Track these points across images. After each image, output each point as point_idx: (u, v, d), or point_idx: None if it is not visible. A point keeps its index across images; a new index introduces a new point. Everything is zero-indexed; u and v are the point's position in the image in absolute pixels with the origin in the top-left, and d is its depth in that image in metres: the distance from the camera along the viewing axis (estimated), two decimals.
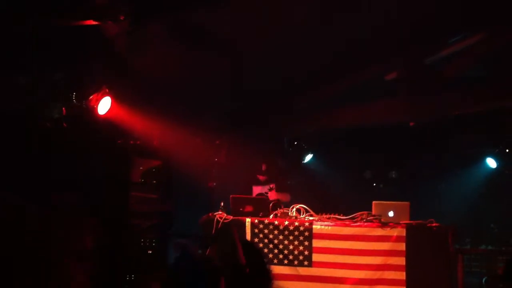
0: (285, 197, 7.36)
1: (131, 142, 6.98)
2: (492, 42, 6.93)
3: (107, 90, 6.22)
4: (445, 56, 7.49)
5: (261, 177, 7.85)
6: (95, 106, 6.20)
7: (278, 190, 7.49)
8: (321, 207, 6.65)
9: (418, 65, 7.60)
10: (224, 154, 8.32)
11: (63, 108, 5.83)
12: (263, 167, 7.86)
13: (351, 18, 6.09)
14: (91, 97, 6.13)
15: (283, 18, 5.93)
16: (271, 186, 7.55)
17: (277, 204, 6.79)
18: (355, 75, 7.76)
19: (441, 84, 7.59)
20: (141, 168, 7.26)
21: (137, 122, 6.84)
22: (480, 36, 6.91)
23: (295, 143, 9.58)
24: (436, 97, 7.72)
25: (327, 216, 6.41)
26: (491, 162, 9.68)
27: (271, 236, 6.28)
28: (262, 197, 7.28)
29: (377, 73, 7.89)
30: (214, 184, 7.95)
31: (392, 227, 6.12)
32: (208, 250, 6.17)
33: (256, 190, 7.79)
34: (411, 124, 8.51)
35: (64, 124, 5.79)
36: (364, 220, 6.27)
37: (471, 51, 7.19)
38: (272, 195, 7.44)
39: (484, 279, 8.38)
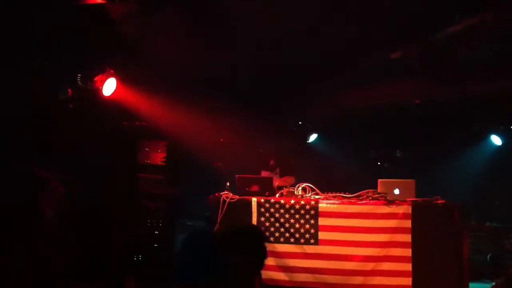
0: (289, 180, 7.41)
1: (137, 123, 7.00)
2: (498, 21, 6.87)
3: (112, 72, 6.23)
4: (452, 34, 7.43)
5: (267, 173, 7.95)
6: (100, 88, 6.22)
7: (282, 173, 7.56)
8: (326, 186, 6.67)
9: (425, 44, 7.55)
10: (230, 135, 8.37)
11: (69, 90, 5.84)
12: (271, 162, 7.94)
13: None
14: (95, 78, 6.14)
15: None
16: (277, 170, 7.62)
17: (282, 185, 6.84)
18: (366, 58, 7.71)
19: (445, 65, 7.56)
20: (147, 149, 7.29)
21: (143, 104, 6.85)
22: (485, 16, 6.86)
23: (300, 123, 9.58)
24: (442, 77, 7.69)
25: (333, 194, 6.45)
26: (496, 140, 9.67)
27: (277, 215, 6.31)
28: (269, 177, 7.32)
29: (382, 54, 7.85)
30: (220, 164, 7.98)
31: (398, 205, 6.15)
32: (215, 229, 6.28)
33: (264, 175, 7.85)
34: (417, 101, 8.50)
35: (70, 105, 5.81)
36: (370, 198, 6.30)
37: (477, 31, 7.14)
38: (276, 181, 7.52)
39: (489, 256, 8.43)
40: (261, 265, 3.14)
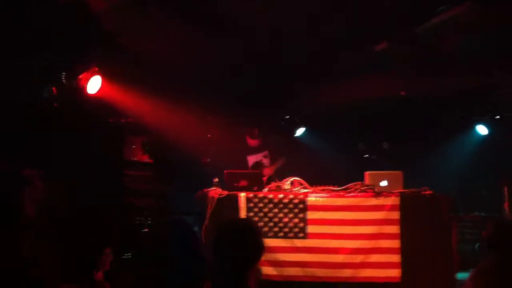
0: (280, 162, 7.44)
1: (123, 120, 6.97)
2: (484, 12, 6.89)
3: (96, 69, 6.19)
4: (435, 26, 7.45)
5: (253, 141, 7.85)
6: (85, 86, 6.18)
7: (273, 155, 7.55)
8: (314, 179, 6.68)
9: (409, 37, 7.56)
10: (217, 130, 8.33)
11: (53, 88, 5.79)
12: (255, 132, 7.87)
13: None
14: (80, 76, 6.10)
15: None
16: (265, 153, 7.58)
17: (271, 178, 6.84)
18: (352, 52, 7.71)
19: (431, 56, 7.58)
20: (133, 146, 7.25)
21: (129, 100, 6.81)
22: (468, 6, 6.88)
23: (287, 117, 9.58)
24: (428, 69, 7.73)
25: (321, 188, 6.46)
26: (482, 129, 9.74)
27: (266, 210, 6.30)
28: (257, 171, 7.31)
29: (368, 46, 7.85)
30: (208, 160, 7.96)
31: (386, 196, 6.17)
32: (204, 226, 6.27)
33: (251, 159, 7.81)
34: (402, 93, 8.53)
35: (55, 104, 5.76)
36: (358, 190, 6.31)
37: (462, 22, 7.16)
38: (268, 163, 7.50)
39: (477, 245, 8.50)
40: (256, 260, 3.13)
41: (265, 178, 7.05)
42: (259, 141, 7.91)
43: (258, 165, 7.85)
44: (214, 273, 2.96)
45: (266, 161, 7.78)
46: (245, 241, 3.07)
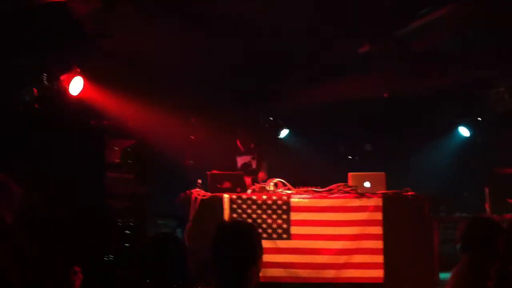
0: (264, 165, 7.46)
1: (105, 122, 6.91)
2: (461, 15, 6.95)
3: (78, 70, 6.14)
4: (416, 29, 7.50)
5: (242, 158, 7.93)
6: (67, 87, 6.12)
7: (260, 157, 7.59)
8: (298, 181, 6.68)
9: (389, 38, 7.59)
10: (200, 132, 8.31)
11: (34, 90, 5.73)
12: (251, 146, 7.92)
13: None
14: (62, 77, 6.04)
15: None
16: (253, 155, 7.59)
17: (255, 179, 6.84)
18: (333, 53, 7.72)
19: (413, 58, 7.63)
20: (116, 148, 7.19)
21: (111, 102, 6.76)
22: (449, 9, 6.93)
23: (271, 118, 9.58)
24: (409, 70, 7.77)
25: (305, 189, 6.47)
26: (464, 131, 9.83)
27: (249, 211, 6.29)
28: (240, 173, 7.29)
29: (350, 48, 7.86)
30: (191, 162, 7.93)
31: (368, 198, 6.21)
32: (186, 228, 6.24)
33: (240, 160, 7.82)
34: (385, 95, 8.57)
35: (36, 106, 5.70)
36: (341, 191, 6.34)
37: (442, 24, 7.21)
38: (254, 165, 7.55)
39: (458, 246, 8.55)
40: (256, 260, 3.10)
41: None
42: (244, 148, 7.97)
43: (247, 165, 7.86)
44: (214, 273, 2.94)
45: (253, 163, 7.78)
46: (246, 241, 3.06)
